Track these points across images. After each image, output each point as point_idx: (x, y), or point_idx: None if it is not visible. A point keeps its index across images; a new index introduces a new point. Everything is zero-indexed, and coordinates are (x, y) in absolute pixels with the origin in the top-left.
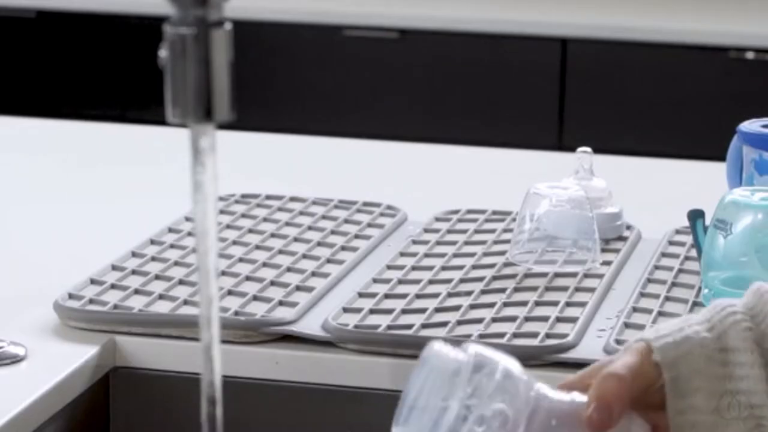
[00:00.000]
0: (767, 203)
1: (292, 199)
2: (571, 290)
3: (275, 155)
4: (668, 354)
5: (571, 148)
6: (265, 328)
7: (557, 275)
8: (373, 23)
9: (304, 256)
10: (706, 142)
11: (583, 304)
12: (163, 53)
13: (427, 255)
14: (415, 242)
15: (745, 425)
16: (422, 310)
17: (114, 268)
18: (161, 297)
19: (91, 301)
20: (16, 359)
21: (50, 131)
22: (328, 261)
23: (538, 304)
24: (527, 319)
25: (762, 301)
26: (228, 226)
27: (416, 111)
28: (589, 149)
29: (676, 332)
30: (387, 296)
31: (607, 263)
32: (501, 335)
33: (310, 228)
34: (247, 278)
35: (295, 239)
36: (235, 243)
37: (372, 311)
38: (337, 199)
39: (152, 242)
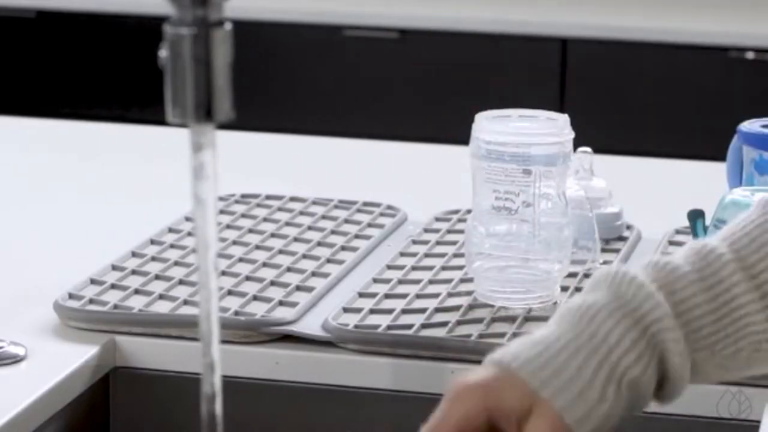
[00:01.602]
0: None
1: (292, 199)
2: (571, 290)
3: (275, 155)
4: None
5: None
6: (265, 328)
7: None
8: (373, 23)
9: (304, 256)
10: (706, 142)
11: None
12: (163, 53)
13: (427, 255)
14: (415, 242)
15: None
16: (422, 310)
17: (114, 268)
18: (161, 297)
19: (91, 301)
20: (16, 359)
21: (50, 131)
22: (328, 261)
23: None
24: (527, 319)
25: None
26: (228, 226)
27: (416, 111)
28: (589, 149)
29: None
30: (387, 296)
31: (607, 263)
32: (501, 335)
33: (310, 228)
34: (247, 278)
35: (295, 239)
36: (235, 243)
37: (372, 311)
38: (337, 199)
39: (152, 242)
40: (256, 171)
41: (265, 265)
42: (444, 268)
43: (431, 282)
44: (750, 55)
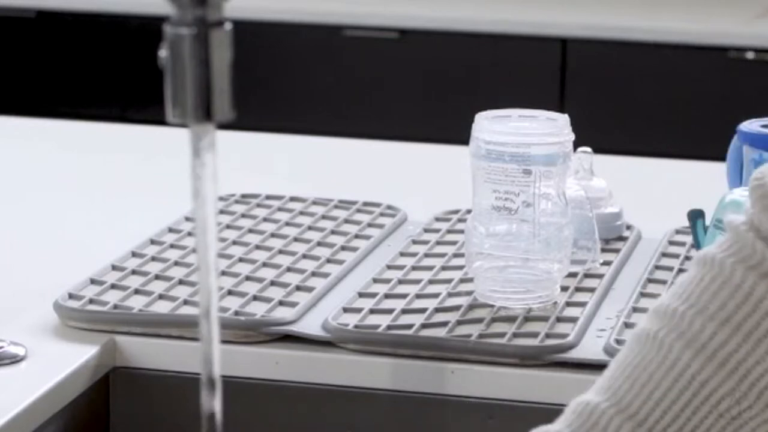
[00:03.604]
0: None
1: (292, 199)
2: (571, 290)
3: (275, 155)
4: None
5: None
6: (265, 328)
7: None
8: (373, 23)
9: (304, 256)
10: (706, 142)
11: (583, 304)
12: (163, 53)
13: (427, 255)
14: (415, 242)
15: None
16: (422, 310)
17: (114, 268)
18: (161, 297)
19: (91, 301)
20: (16, 359)
21: (50, 131)
22: (328, 261)
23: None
24: (527, 319)
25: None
26: (228, 226)
27: (416, 111)
28: (589, 149)
29: None
30: (387, 296)
31: (607, 263)
32: (501, 335)
33: (310, 228)
34: (247, 278)
35: (295, 239)
36: (235, 243)
37: (372, 311)
38: (337, 199)
39: (152, 242)
40: (256, 171)
41: (265, 265)
42: (444, 268)
43: (431, 282)
44: (750, 55)
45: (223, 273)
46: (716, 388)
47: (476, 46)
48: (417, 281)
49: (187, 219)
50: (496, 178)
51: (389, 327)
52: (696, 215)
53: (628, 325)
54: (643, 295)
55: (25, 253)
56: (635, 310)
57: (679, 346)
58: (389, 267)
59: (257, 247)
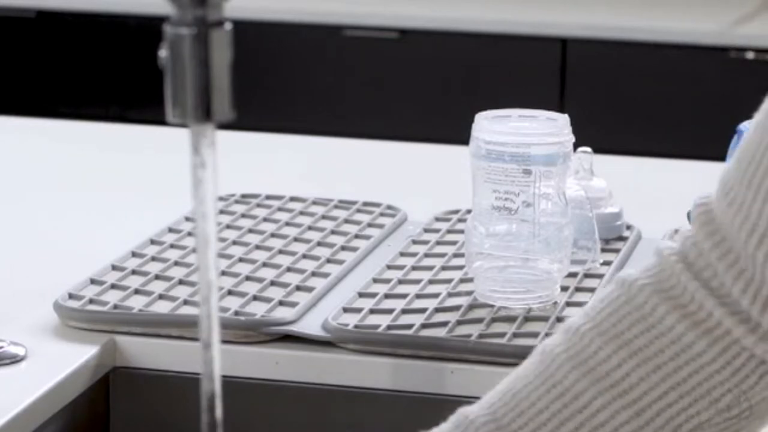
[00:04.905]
0: None
1: (292, 199)
2: (571, 290)
3: (275, 155)
4: None
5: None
6: (265, 328)
7: None
8: (373, 23)
9: (304, 256)
10: (706, 142)
11: (583, 304)
12: (163, 53)
13: (427, 255)
14: (415, 242)
15: None
16: (422, 310)
17: (114, 268)
18: (161, 297)
19: (91, 301)
20: (16, 359)
21: (50, 131)
22: (328, 261)
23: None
24: (527, 319)
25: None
26: (228, 226)
27: (416, 111)
28: (589, 149)
29: None
30: (387, 296)
31: (607, 263)
32: (501, 335)
33: (310, 228)
34: (247, 278)
35: (295, 239)
36: (235, 243)
37: (372, 311)
38: (337, 199)
39: (152, 242)
40: (256, 171)
41: (265, 265)
42: (444, 268)
43: (431, 282)
44: (750, 55)
45: (223, 273)
46: (591, 400)
47: (476, 46)
48: (417, 281)
49: (187, 219)
50: (496, 178)
51: (389, 327)
52: None
53: None
54: None
55: (25, 253)
56: None
57: (562, 359)
58: (389, 267)
59: (257, 247)
